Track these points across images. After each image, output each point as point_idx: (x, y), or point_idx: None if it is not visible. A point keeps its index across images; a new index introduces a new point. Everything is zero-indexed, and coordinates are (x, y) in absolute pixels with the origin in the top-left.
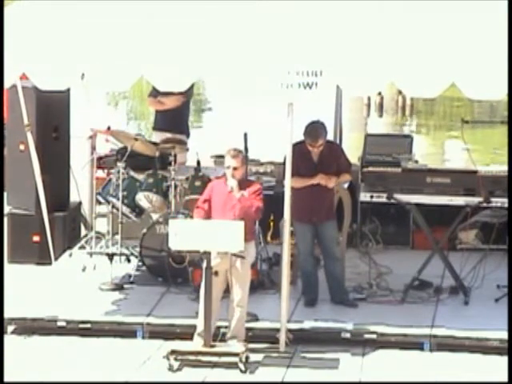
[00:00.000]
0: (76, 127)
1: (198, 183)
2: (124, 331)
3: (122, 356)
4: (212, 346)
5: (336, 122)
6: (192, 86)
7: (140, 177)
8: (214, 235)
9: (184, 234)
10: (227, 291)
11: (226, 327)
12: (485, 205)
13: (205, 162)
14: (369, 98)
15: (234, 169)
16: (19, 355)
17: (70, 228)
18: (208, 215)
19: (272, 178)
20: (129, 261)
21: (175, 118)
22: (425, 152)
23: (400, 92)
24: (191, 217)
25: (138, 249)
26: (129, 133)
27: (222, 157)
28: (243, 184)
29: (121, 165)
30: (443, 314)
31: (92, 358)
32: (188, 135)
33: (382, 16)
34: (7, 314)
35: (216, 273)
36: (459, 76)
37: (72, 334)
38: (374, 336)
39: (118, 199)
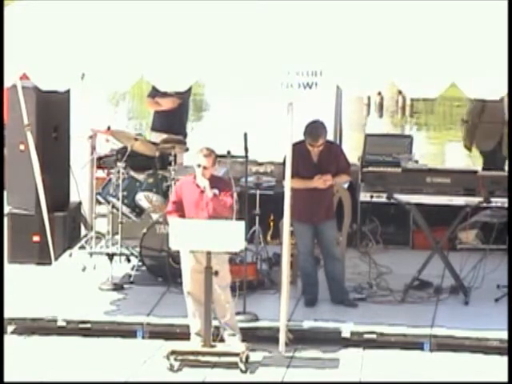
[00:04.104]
0: (76, 127)
1: None
2: (124, 331)
3: (122, 356)
4: (212, 346)
5: (336, 122)
6: (190, 89)
7: (140, 177)
8: (214, 235)
9: (184, 234)
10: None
11: (218, 327)
12: (485, 205)
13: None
14: (369, 98)
15: (205, 168)
16: (19, 355)
17: (70, 228)
18: (182, 216)
19: (272, 178)
20: (129, 261)
21: (172, 119)
22: (425, 152)
23: (400, 92)
24: None
25: (137, 249)
26: (129, 133)
27: (222, 156)
28: (214, 182)
29: (121, 165)
30: (443, 314)
31: (92, 358)
32: (185, 136)
33: (382, 16)
34: (7, 314)
35: (216, 272)
36: (459, 76)
37: (72, 334)
38: (374, 336)
39: (118, 199)
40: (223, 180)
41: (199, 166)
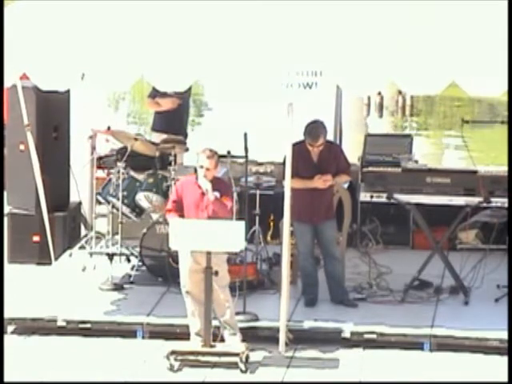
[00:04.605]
0: (76, 127)
1: None
2: (124, 331)
3: (122, 356)
4: (212, 346)
5: (336, 122)
6: (190, 89)
7: (140, 177)
8: (214, 235)
9: (184, 234)
10: None
11: (217, 327)
12: (485, 205)
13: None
14: (369, 98)
15: (207, 169)
16: (19, 355)
17: (70, 228)
18: (181, 216)
19: (272, 178)
20: (129, 261)
21: (172, 120)
22: (425, 152)
23: (400, 92)
24: None
25: (137, 249)
26: (129, 133)
27: (222, 156)
28: (215, 184)
29: (121, 165)
30: (443, 314)
31: (92, 358)
32: (185, 136)
33: (382, 16)
34: (7, 314)
35: (216, 272)
36: (459, 73)
37: (72, 334)
38: (374, 336)
39: (118, 199)
40: (224, 182)
41: (201, 167)
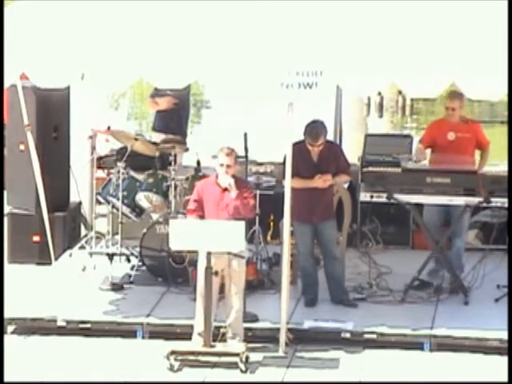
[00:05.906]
0: (76, 127)
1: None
2: (124, 331)
3: (122, 356)
4: (212, 346)
5: (336, 122)
6: (188, 90)
7: (140, 177)
8: (215, 235)
9: (184, 234)
10: (221, 291)
11: (224, 327)
12: (485, 205)
13: (205, 161)
14: (369, 98)
15: (228, 166)
16: (19, 355)
17: (69, 228)
18: (202, 217)
19: (272, 178)
20: (129, 261)
21: (171, 120)
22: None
23: (400, 92)
24: None
25: (137, 249)
26: (129, 133)
27: None
28: (235, 183)
29: (121, 165)
30: (443, 314)
31: (92, 358)
32: (185, 136)
33: (382, 16)
34: (7, 314)
35: (216, 273)
36: (459, 76)
37: (72, 334)
38: (374, 336)
39: (118, 199)
40: (244, 182)
41: (222, 165)
